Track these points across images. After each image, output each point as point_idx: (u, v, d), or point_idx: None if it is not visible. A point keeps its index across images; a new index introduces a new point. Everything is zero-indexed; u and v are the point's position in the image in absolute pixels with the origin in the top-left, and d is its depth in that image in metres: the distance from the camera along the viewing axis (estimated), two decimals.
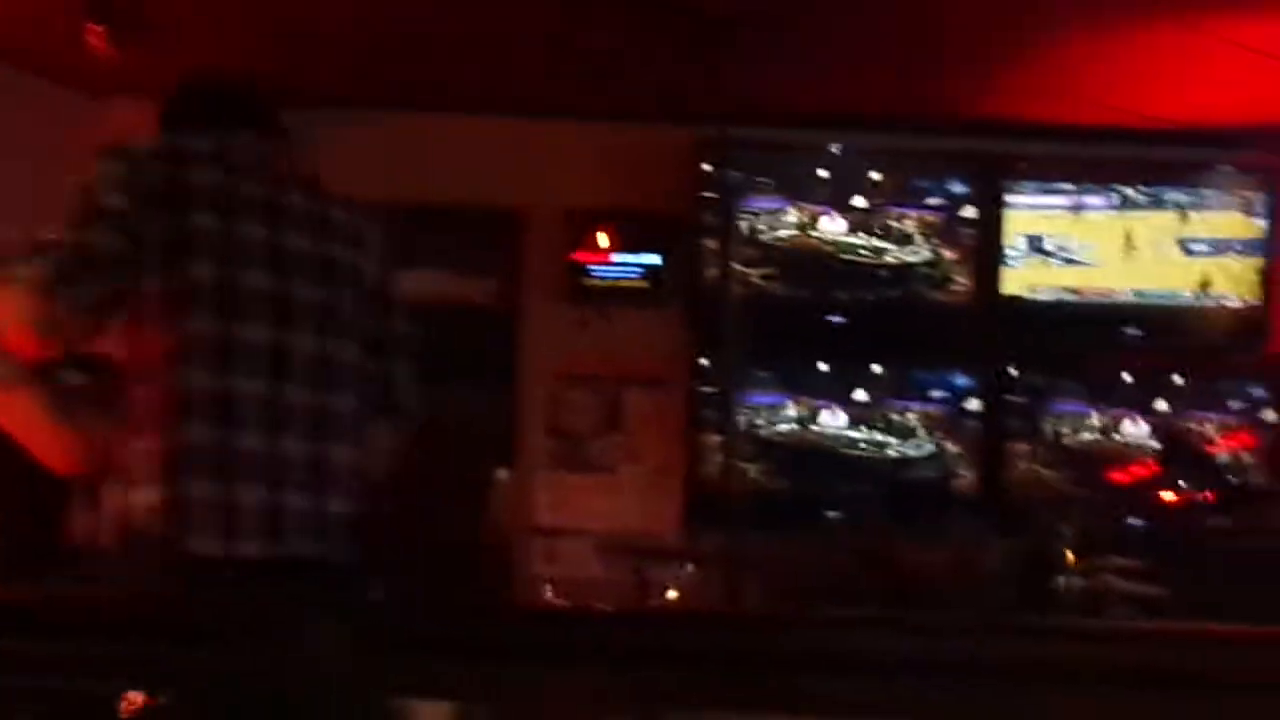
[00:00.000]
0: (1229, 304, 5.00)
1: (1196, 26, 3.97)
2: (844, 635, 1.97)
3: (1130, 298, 4.98)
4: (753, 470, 4.76)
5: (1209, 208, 5.01)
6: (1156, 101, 4.69)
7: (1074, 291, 4.96)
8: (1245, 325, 5.01)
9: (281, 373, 2.06)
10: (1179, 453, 3.46)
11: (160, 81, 2.44)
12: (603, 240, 4.98)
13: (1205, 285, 5.00)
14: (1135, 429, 4.91)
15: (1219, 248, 5.01)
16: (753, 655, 1.78)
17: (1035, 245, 4.95)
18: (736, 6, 3.84)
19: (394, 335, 2.28)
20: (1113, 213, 4.98)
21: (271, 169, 2.29)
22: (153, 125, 2.40)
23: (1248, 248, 5.01)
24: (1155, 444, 4.20)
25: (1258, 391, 4.99)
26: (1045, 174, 4.97)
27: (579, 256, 4.99)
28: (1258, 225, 5.01)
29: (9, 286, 2.01)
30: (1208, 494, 3.27)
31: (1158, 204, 5.01)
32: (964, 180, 4.93)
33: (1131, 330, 4.98)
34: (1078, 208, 4.97)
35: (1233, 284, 5.00)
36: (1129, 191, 4.99)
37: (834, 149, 4.87)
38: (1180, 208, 5.01)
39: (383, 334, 2.25)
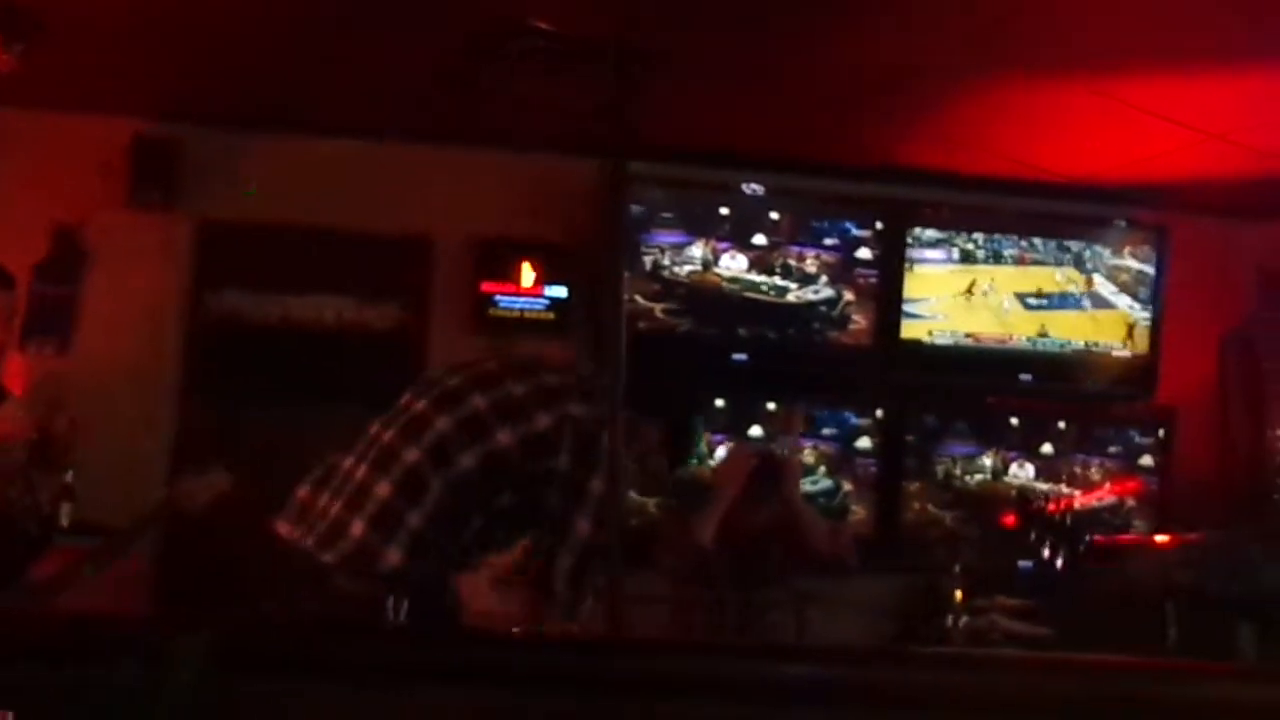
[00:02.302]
0: (1119, 353, 5.16)
1: (1093, 86, 4.10)
2: (735, 662, 1.96)
3: (1025, 345, 5.11)
4: (650, 504, 4.76)
5: (1103, 260, 5.17)
6: (1055, 157, 4.83)
7: (971, 337, 5.07)
8: (1134, 374, 5.17)
9: None
10: (1033, 518, 3.58)
11: (55, 93, 2.40)
12: (511, 271, 4.98)
13: (1097, 335, 5.15)
14: (1023, 471, 5.04)
15: (1111, 299, 5.16)
16: (643, 683, 1.76)
17: (933, 290, 5.06)
18: (648, 44, 3.87)
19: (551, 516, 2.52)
20: (1010, 262, 5.11)
21: None
22: None
23: (1138, 300, 5.18)
24: (1017, 503, 4.29)
25: (1143, 439, 5.15)
26: (946, 221, 5.09)
27: (486, 287, 4.98)
28: (1148, 278, 5.18)
29: None
30: (1059, 558, 3.38)
31: (1054, 255, 5.15)
32: (866, 224, 5.02)
33: (1025, 376, 5.11)
34: (977, 256, 5.09)
35: (1123, 335, 5.16)
36: (1026, 242, 5.13)
37: (742, 188, 4.93)
38: (1076, 260, 5.16)
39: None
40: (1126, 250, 5.18)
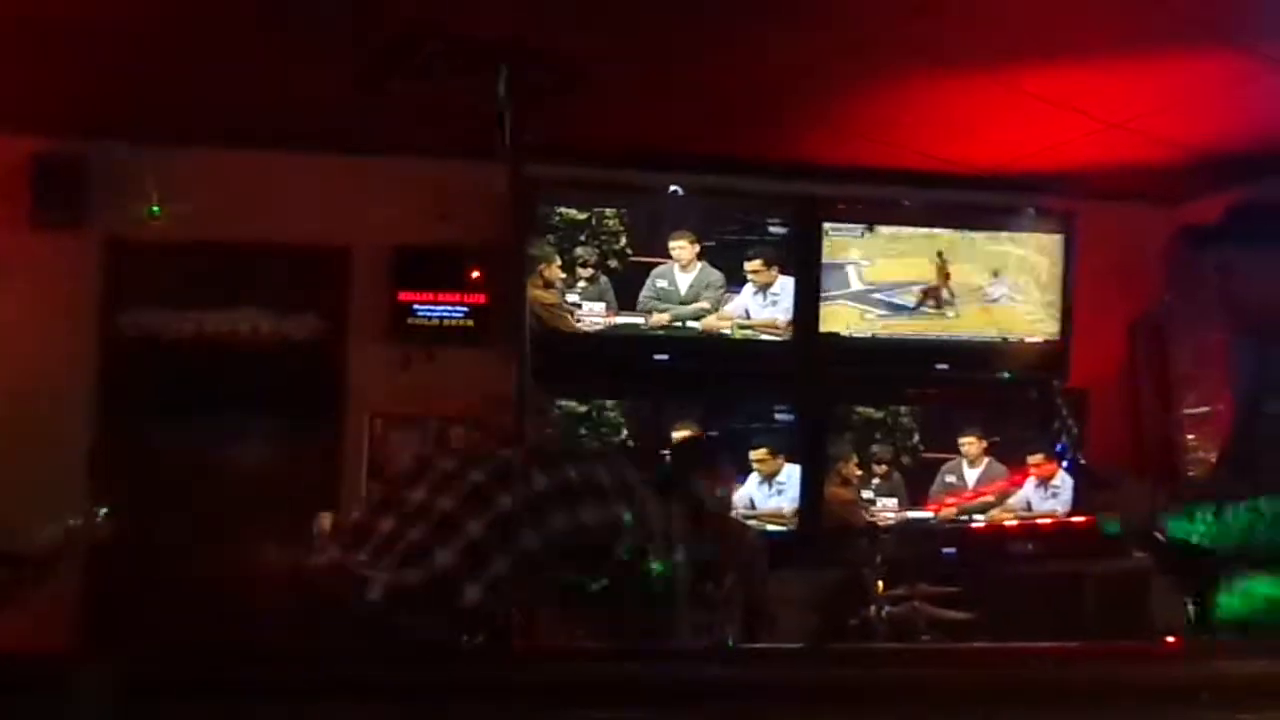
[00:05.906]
0: (1031, 340, 5.25)
1: (996, 79, 4.17)
2: (663, 664, 1.96)
3: (941, 335, 5.18)
4: None
5: (1012, 249, 5.25)
6: (963, 149, 4.90)
7: (888, 330, 5.14)
8: (1047, 360, 5.26)
9: None
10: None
11: None
12: (428, 279, 4.96)
13: (1009, 323, 5.24)
14: (947, 461, 5.12)
15: (1022, 288, 5.25)
16: (574, 690, 1.76)
17: (851, 284, 5.11)
18: (562, 49, 3.88)
19: None
20: (922, 254, 5.18)
21: None
22: None
23: (1048, 288, 5.28)
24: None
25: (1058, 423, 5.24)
26: (860, 216, 5.14)
27: (403, 296, 4.94)
28: (1057, 266, 5.28)
29: None
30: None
31: (965, 245, 5.23)
32: (783, 220, 5.05)
33: (941, 365, 5.18)
34: (891, 249, 5.16)
35: (1034, 322, 5.26)
36: (938, 233, 5.20)
37: (663, 189, 4.94)
38: (985, 249, 5.24)
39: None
40: (1036, 238, 5.27)
